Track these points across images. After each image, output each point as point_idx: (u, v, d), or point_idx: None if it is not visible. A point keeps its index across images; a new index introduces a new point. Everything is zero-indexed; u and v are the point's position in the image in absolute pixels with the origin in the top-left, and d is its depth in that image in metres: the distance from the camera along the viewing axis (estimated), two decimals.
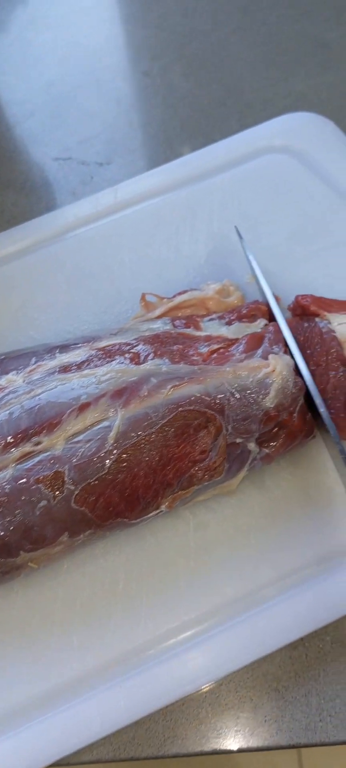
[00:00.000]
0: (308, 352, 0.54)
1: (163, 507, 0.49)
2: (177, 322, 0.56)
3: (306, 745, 0.46)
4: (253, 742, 0.47)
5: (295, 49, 0.84)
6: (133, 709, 0.46)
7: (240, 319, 0.56)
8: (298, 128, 0.73)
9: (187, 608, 0.50)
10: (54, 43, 0.91)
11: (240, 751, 0.46)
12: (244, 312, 0.57)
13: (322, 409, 0.49)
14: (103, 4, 0.94)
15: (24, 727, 0.47)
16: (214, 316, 0.57)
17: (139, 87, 0.83)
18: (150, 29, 0.90)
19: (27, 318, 0.65)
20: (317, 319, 0.56)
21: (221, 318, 0.56)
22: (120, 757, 0.47)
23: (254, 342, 0.53)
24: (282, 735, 0.47)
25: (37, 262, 0.68)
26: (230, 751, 0.46)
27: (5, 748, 0.46)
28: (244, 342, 0.53)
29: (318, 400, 0.50)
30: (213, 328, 0.55)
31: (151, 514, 0.49)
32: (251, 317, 0.56)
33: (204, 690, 0.48)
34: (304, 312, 0.57)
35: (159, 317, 0.58)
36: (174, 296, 0.59)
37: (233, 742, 0.47)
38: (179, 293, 0.60)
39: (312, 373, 0.53)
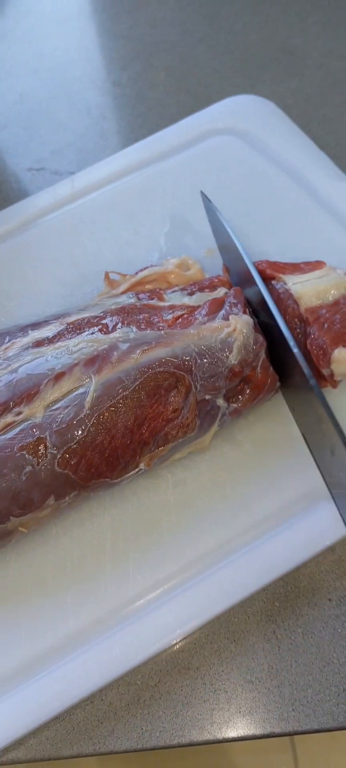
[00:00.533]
0: None
1: (142, 465, 0.51)
2: (141, 296, 0.58)
3: (280, 734, 0.47)
4: (228, 733, 0.48)
5: (260, 57, 0.87)
6: (128, 657, 0.48)
7: (201, 290, 0.59)
8: (240, 110, 0.77)
9: (171, 560, 0.52)
10: (25, 56, 0.93)
11: (216, 741, 0.47)
12: (206, 284, 0.59)
13: (295, 350, 0.51)
14: (74, 17, 0.96)
15: (25, 685, 0.48)
16: (176, 288, 0.59)
17: (110, 97, 0.85)
18: (119, 40, 0.92)
19: None
20: (273, 282, 0.59)
21: (183, 290, 0.59)
22: (100, 750, 0.48)
23: (216, 306, 0.55)
24: (256, 725, 0.48)
25: (3, 254, 0.70)
26: (207, 742, 0.47)
27: (7, 706, 0.47)
28: (206, 307, 0.56)
29: (291, 342, 0.52)
30: (176, 298, 0.58)
31: (131, 473, 0.51)
32: (212, 288, 0.59)
33: (180, 683, 0.49)
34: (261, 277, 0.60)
35: (123, 292, 0.60)
36: (136, 273, 0.62)
37: (208, 733, 0.48)
38: (141, 270, 0.62)
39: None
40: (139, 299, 0.57)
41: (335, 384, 0.55)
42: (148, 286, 0.61)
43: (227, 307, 0.55)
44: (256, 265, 0.59)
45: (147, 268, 0.62)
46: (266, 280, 0.59)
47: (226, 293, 0.57)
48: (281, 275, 0.58)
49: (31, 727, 0.47)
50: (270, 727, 0.48)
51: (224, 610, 0.50)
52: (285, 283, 0.58)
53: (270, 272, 0.59)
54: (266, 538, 0.52)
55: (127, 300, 0.58)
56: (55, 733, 0.48)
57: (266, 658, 0.50)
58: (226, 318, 0.54)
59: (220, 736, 0.48)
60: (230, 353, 0.52)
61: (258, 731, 0.48)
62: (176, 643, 0.50)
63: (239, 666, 0.50)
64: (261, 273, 0.59)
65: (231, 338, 0.53)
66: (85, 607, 0.51)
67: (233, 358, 0.52)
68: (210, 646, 0.50)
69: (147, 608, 0.50)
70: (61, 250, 0.69)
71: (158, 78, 0.86)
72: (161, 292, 0.59)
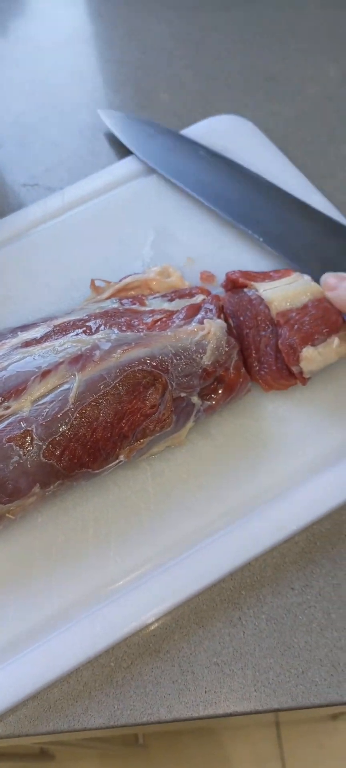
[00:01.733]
0: (241, 318, 0.59)
1: (122, 457, 0.53)
2: (124, 301, 0.60)
3: (242, 713, 0.49)
4: (195, 712, 0.49)
5: (243, 82, 0.89)
6: (108, 633, 0.50)
7: (181, 297, 0.61)
8: (220, 128, 0.79)
9: (150, 545, 0.54)
10: (22, 79, 0.95)
11: (182, 720, 0.49)
12: (186, 292, 0.62)
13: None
14: (69, 42, 0.98)
15: (11, 661, 0.50)
16: (157, 295, 0.62)
17: (100, 119, 0.86)
18: (113, 65, 0.94)
19: None
20: (245, 290, 0.61)
21: (163, 296, 0.61)
22: (75, 727, 0.49)
23: (193, 311, 0.58)
24: (220, 705, 0.49)
25: None
26: (174, 720, 0.49)
27: None
28: (183, 311, 0.58)
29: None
30: (156, 303, 0.60)
31: (111, 464, 0.54)
32: (191, 296, 0.61)
33: (150, 665, 0.51)
34: (234, 285, 0.62)
35: (107, 298, 0.62)
36: (120, 280, 0.64)
37: (176, 712, 0.49)
38: (125, 277, 0.64)
39: (246, 336, 0.58)
40: (122, 304, 0.60)
41: (304, 381, 0.58)
42: (131, 293, 0.63)
43: (203, 312, 0.57)
44: (230, 275, 0.62)
45: (130, 275, 0.64)
46: (239, 287, 0.61)
47: (203, 299, 0.59)
48: (252, 282, 0.61)
49: (14, 702, 0.49)
50: (233, 707, 0.50)
51: (196, 592, 0.51)
52: (257, 290, 0.60)
53: (242, 280, 0.61)
54: (236, 525, 0.54)
55: (111, 305, 0.60)
56: (32, 710, 0.50)
57: (232, 643, 0.52)
58: (201, 322, 0.56)
59: (187, 714, 0.50)
60: (203, 354, 0.55)
61: (221, 710, 0.50)
62: (151, 623, 0.52)
63: (206, 649, 0.52)
64: (234, 282, 0.61)
65: (205, 341, 0.55)
66: (69, 587, 0.52)
67: (207, 359, 0.55)
68: (180, 631, 0.52)
69: (126, 588, 0.52)
70: (51, 259, 0.71)
71: (147, 100, 0.88)
72: (143, 297, 0.61)
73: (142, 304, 0.59)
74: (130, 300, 0.60)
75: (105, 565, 0.53)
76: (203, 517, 0.55)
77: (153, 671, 0.51)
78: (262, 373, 0.58)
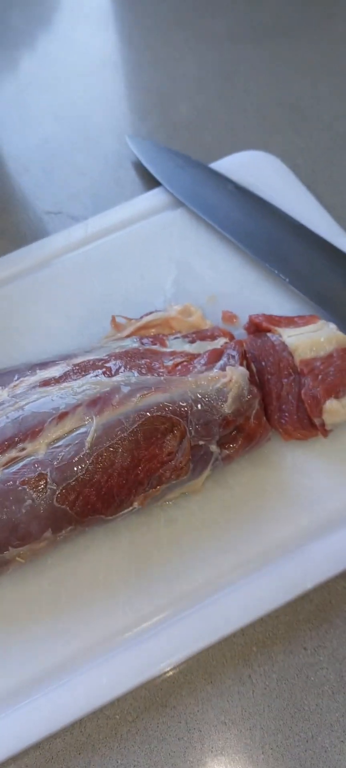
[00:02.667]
0: (263, 363, 0.57)
1: (135, 504, 0.51)
2: (144, 340, 0.58)
3: None
4: None
5: (272, 116, 0.87)
6: (114, 685, 0.48)
7: (202, 339, 0.59)
8: (248, 164, 0.77)
9: (160, 594, 0.52)
10: (49, 103, 0.93)
11: None
12: (207, 334, 0.59)
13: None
14: (97, 67, 0.96)
15: (13, 709, 0.48)
16: (178, 335, 0.60)
17: (127, 147, 0.84)
18: (140, 92, 0.92)
19: (8, 341, 0.67)
20: (268, 335, 0.58)
21: (184, 337, 0.59)
22: None
23: (215, 356, 0.56)
24: (226, 766, 0.47)
25: (17, 291, 0.70)
26: None
27: None
28: (205, 356, 0.56)
29: None
30: (177, 344, 0.58)
31: (125, 511, 0.51)
32: (213, 338, 0.59)
33: (156, 720, 0.49)
34: (257, 329, 0.60)
35: (128, 336, 0.60)
36: (141, 317, 0.62)
37: None
38: (146, 314, 0.62)
39: (267, 381, 0.56)
40: (142, 344, 0.58)
41: (325, 433, 0.55)
42: (151, 331, 0.61)
43: (225, 358, 0.55)
44: (253, 318, 0.60)
45: (151, 313, 0.62)
46: (262, 331, 0.59)
47: (225, 343, 0.57)
48: (276, 327, 0.58)
49: (16, 751, 0.47)
50: None
51: (206, 646, 0.49)
52: (280, 336, 0.57)
53: (266, 325, 0.59)
54: (250, 578, 0.51)
55: (131, 344, 0.58)
56: (34, 760, 0.48)
57: (241, 701, 0.49)
58: (223, 368, 0.54)
59: None
60: (224, 402, 0.52)
61: None
62: (160, 675, 0.50)
63: (214, 707, 0.49)
64: (257, 325, 0.59)
65: (227, 388, 0.53)
66: (77, 635, 0.50)
67: (228, 408, 0.52)
68: (188, 686, 0.50)
69: (134, 639, 0.50)
70: (72, 291, 0.69)
71: (174, 131, 0.86)
72: (164, 337, 0.59)
73: (163, 344, 0.57)
74: (150, 339, 0.58)
75: (114, 614, 0.51)
76: (216, 568, 0.52)
77: (159, 726, 0.49)
78: (282, 421, 0.56)
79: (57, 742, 0.48)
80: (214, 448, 0.53)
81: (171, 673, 0.50)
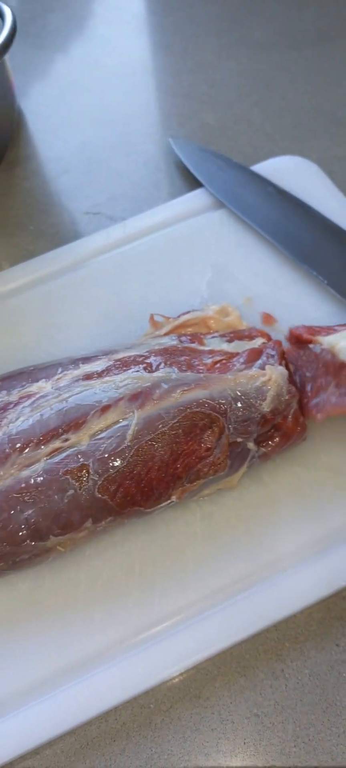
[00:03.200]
0: (307, 374, 0.56)
1: (173, 498, 0.51)
2: (183, 338, 0.58)
3: None
4: (233, 762, 0.47)
5: (310, 123, 0.86)
6: (149, 675, 0.48)
7: (240, 338, 0.59)
8: (284, 169, 0.77)
9: (195, 587, 0.52)
10: (90, 106, 0.93)
11: None
12: (245, 334, 0.59)
13: None
14: (137, 72, 0.96)
15: (50, 695, 0.48)
16: (215, 334, 0.60)
17: (166, 151, 0.85)
18: (179, 98, 0.92)
19: (47, 337, 0.67)
20: (310, 346, 0.58)
21: (222, 336, 0.59)
22: (111, 767, 0.47)
23: (254, 355, 0.56)
24: (259, 757, 0.47)
25: (56, 288, 0.71)
26: None
27: (33, 713, 0.47)
28: (244, 355, 0.56)
29: None
30: (215, 343, 0.58)
31: (163, 504, 0.52)
32: (251, 338, 0.59)
33: (190, 711, 0.49)
34: (298, 340, 0.59)
35: (166, 334, 0.60)
36: (179, 316, 0.62)
37: (214, 760, 0.47)
38: (183, 313, 0.62)
39: (306, 382, 0.55)
40: (180, 341, 0.58)
41: None
42: (189, 330, 0.61)
43: (265, 358, 0.55)
44: (293, 331, 0.59)
45: (189, 312, 0.62)
46: (303, 343, 0.58)
47: (263, 343, 0.57)
48: (317, 337, 0.57)
49: (52, 736, 0.47)
50: (272, 760, 0.47)
51: (240, 640, 0.49)
52: (321, 344, 0.57)
53: (306, 336, 0.58)
54: (284, 575, 0.51)
55: (170, 342, 0.58)
56: (70, 746, 0.48)
57: (274, 695, 0.49)
58: (262, 368, 0.54)
59: (224, 764, 0.47)
60: (263, 401, 0.52)
61: (260, 763, 0.47)
62: (194, 667, 0.50)
63: (247, 699, 0.49)
64: (298, 337, 0.58)
65: (266, 387, 0.53)
66: (112, 625, 0.51)
67: (266, 406, 0.52)
68: (221, 678, 0.50)
69: (169, 631, 0.50)
70: (110, 290, 0.70)
71: (213, 136, 0.86)
72: (201, 336, 0.59)
73: (201, 343, 0.57)
74: (188, 338, 0.58)
75: (150, 605, 0.51)
76: (250, 564, 0.52)
77: (192, 717, 0.49)
78: (318, 402, 0.55)
79: (92, 729, 0.48)
80: (251, 445, 0.53)
81: (205, 665, 0.50)
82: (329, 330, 0.58)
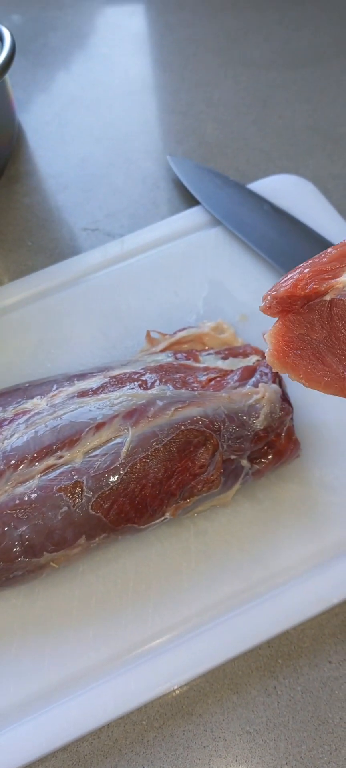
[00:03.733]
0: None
1: (167, 515, 0.51)
2: (178, 355, 0.58)
3: None
4: None
5: (306, 142, 0.86)
6: (142, 692, 0.48)
7: (235, 356, 0.59)
8: (280, 188, 0.77)
9: (189, 604, 0.51)
10: (90, 123, 0.93)
11: None
12: (239, 351, 0.59)
13: None
14: (137, 91, 0.96)
15: (44, 711, 0.48)
16: (211, 351, 0.59)
17: (164, 168, 0.85)
18: (177, 116, 0.92)
19: (44, 352, 0.67)
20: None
21: (217, 353, 0.59)
22: None
23: (248, 373, 0.55)
24: None
25: (54, 304, 0.71)
26: None
27: (25, 729, 0.47)
28: (238, 372, 0.55)
29: None
30: (210, 360, 0.58)
31: (157, 521, 0.51)
32: (245, 355, 0.59)
33: (182, 728, 0.48)
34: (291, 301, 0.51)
35: (162, 351, 0.60)
36: (175, 333, 0.62)
37: None
38: (179, 330, 0.62)
39: None
40: (176, 358, 0.58)
41: None
42: (184, 346, 0.61)
43: (258, 375, 0.55)
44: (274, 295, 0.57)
45: (185, 329, 0.62)
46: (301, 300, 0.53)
47: (257, 361, 0.57)
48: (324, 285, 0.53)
49: (44, 753, 0.46)
50: None
51: (232, 657, 0.49)
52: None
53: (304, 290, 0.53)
54: (277, 591, 0.51)
55: (166, 358, 0.58)
56: (62, 762, 0.48)
57: (266, 712, 0.49)
58: (256, 385, 0.54)
59: None
60: (256, 418, 0.52)
61: None
62: (187, 684, 0.49)
63: (239, 717, 0.49)
64: (290, 296, 0.53)
65: (259, 405, 0.53)
66: (106, 641, 0.50)
67: (259, 424, 0.52)
68: (213, 695, 0.50)
69: (163, 648, 0.50)
70: (108, 305, 0.69)
71: (211, 153, 0.86)
72: (197, 353, 0.59)
73: (196, 360, 0.57)
74: (184, 354, 0.58)
75: (143, 622, 0.51)
76: (244, 580, 0.52)
77: (184, 734, 0.48)
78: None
79: (84, 746, 0.48)
80: (245, 462, 0.53)
81: (197, 682, 0.50)
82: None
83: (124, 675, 0.48)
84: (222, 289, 0.69)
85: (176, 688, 0.49)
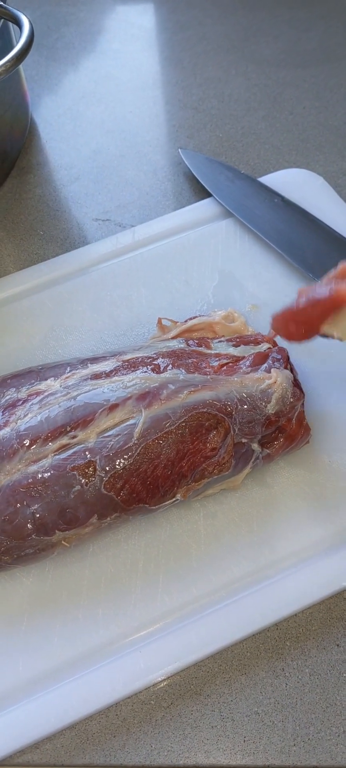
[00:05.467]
0: None
1: (178, 496, 0.51)
2: (190, 342, 0.58)
3: (279, 767, 0.46)
4: (234, 760, 0.46)
5: (316, 138, 0.85)
6: (150, 671, 0.47)
7: (246, 343, 0.58)
8: (291, 181, 0.76)
9: (198, 585, 0.51)
10: (101, 116, 0.92)
11: (220, 767, 0.46)
12: (251, 339, 0.59)
13: None
14: (148, 86, 0.95)
15: (53, 688, 0.47)
16: (222, 338, 0.59)
17: (175, 162, 0.84)
18: (188, 111, 0.91)
19: (56, 339, 0.66)
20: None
21: (228, 341, 0.58)
22: (111, 762, 0.46)
23: (260, 359, 0.55)
24: (259, 756, 0.46)
25: (65, 292, 0.70)
26: (211, 767, 0.46)
27: (34, 707, 0.46)
28: (250, 358, 0.55)
29: None
30: (222, 347, 0.57)
31: (168, 502, 0.51)
32: (256, 343, 0.58)
33: (190, 708, 0.48)
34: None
35: (174, 338, 0.59)
36: (186, 321, 0.61)
37: (213, 758, 0.46)
38: (190, 318, 0.62)
39: None
40: (188, 345, 0.57)
41: None
42: (195, 334, 0.60)
43: (270, 361, 0.54)
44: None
45: (196, 317, 0.61)
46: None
47: (269, 348, 0.56)
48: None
49: (52, 731, 0.46)
50: (272, 759, 0.46)
51: (241, 638, 0.49)
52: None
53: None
54: (285, 574, 0.51)
55: (177, 345, 0.57)
56: (70, 740, 0.47)
57: (274, 693, 0.48)
58: (268, 371, 0.53)
59: (224, 762, 0.46)
60: (268, 403, 0.52)
61: (259, 762, 0.46)
62: (194, 664, 0.49)
63: (247, 697, 0.48)
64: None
65: (271, 389, 0.52)
66: (115, 620, 0.50)
67: (271, 408, 0.52)
68: (222, 676, 0.49)
69: (171, 627, 0.49)
70: (119, 294, 0.69)
71: (221, 148, 0.85)
72: (208, 340, 0.58)
73: (208, 346, 0.57)
74: (196, 341, 0.57)
75: (152, 602, 0.50)
76: (253, 563, 0.51)
77: (193, 714, 0.47)
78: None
79: (92, 724, 0.47)
80: (255, 446, 0.52)
81: (206, 662, 0.49)
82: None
83: (133, 654, 0.48)
84: (233, 279, 0.68)
85: (184, 668, 0.48)
